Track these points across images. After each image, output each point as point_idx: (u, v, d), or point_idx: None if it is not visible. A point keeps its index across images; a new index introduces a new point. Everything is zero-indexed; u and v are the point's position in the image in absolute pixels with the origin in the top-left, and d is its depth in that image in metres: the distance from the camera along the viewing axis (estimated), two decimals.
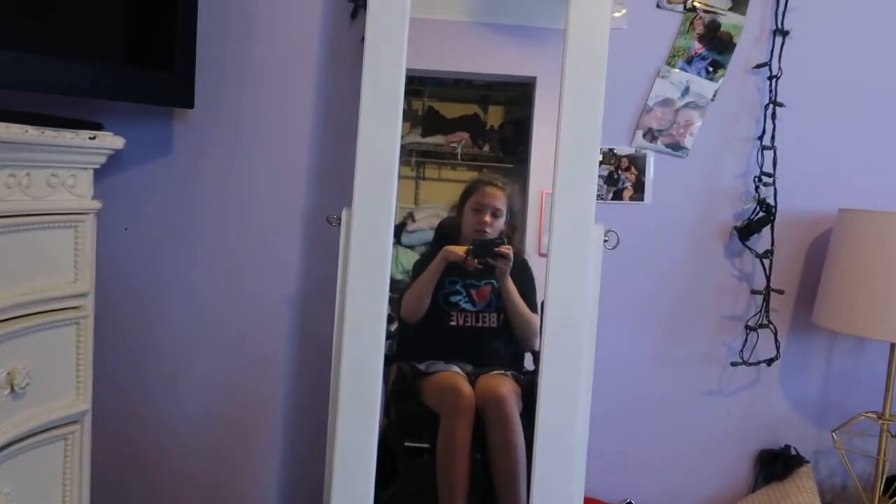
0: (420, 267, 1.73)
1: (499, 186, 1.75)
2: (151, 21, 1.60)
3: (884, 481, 1.76)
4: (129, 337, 1.84)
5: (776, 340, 1.86)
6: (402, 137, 1.47)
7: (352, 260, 1.45)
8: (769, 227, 1.82)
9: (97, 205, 1.45)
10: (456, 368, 1.70)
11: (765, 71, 1.82)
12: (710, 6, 1.81)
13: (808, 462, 1.86)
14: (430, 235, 1.79)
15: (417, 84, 1.77)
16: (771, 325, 1.86)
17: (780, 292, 1.86)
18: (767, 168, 1.82)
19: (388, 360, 1.56)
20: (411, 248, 1.79)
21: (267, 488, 1.90)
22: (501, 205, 1.73)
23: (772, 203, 1.82)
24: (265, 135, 1.81)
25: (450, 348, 1.73)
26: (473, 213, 1.73)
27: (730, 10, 1.81)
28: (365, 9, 1.46)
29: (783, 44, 1.80)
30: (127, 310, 1.83)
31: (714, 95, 1.83)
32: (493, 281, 1.72)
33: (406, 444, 1.69)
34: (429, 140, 1.81)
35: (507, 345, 1.74)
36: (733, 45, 1.81)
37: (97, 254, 1.47)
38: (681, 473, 1.93)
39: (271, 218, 1.82)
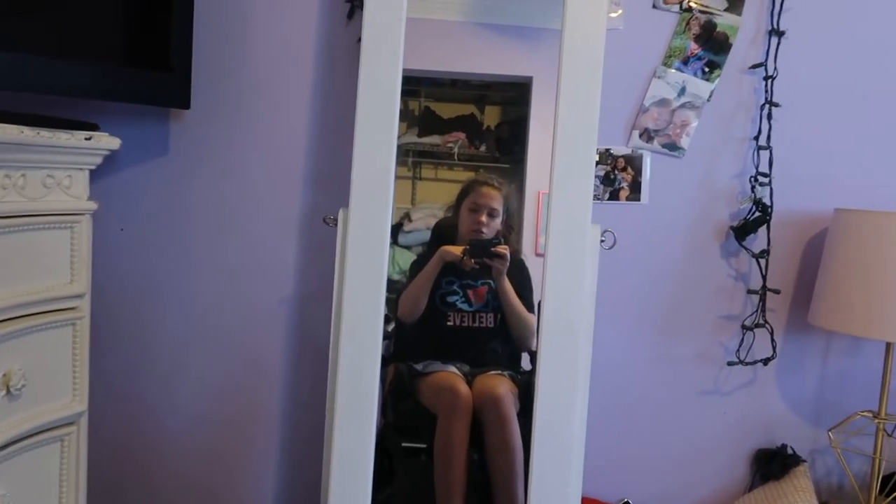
0: (417, 267, 1.73)
1: (495, 186, 1.75)
2: (148, 22, 1.60)
3: (880, 480, 1.77)
4: (126, 338, 1.84)
5: (772, 340, 1.86)
6: (399, 138, 1.47)
7: (348, 260, 1.44)
8: (765, 226, 1.83)
9: (93, 205, 1.44)
10: (453, 369, 1.70)
11: (761, 71, 1.82)
12: (706, 7, 1.81)
13: (804, 461, 1.87)
14: (426, 236, 1.79)
15: (414, 84, 1.77)
16: (767, 325, 1.86)
17: (777, 292, 1.86)
18: (763, 168, 1.83)
19: (385, 361, 1.56)
20: (408, 248, 1.79)
21: (264, 489, 1.89)
22: (498, 205, 1.73)
23: (768, 203, 1.82)
24: (261, 135, 1.80)
25: (447, 348, 1.73)
26: (470, 213, 1.73)
27: (726, 10, 1.81)
28: (361, 9, 1.46)
29: (779, 44, 1.81)
30: (123, 311, 1.82)
31: (710, 96, 1.83)
32: (490, 281, 1.72)
33: (403, 444, 1.68)
34: (425, 140, 1.81)
35: (503, 345, 1.74)
36: (729, 46, 1.82)
37: (93, 255, 1.46)
38: (678, 473, 1.93)
39: (268, 219, 1.82)
